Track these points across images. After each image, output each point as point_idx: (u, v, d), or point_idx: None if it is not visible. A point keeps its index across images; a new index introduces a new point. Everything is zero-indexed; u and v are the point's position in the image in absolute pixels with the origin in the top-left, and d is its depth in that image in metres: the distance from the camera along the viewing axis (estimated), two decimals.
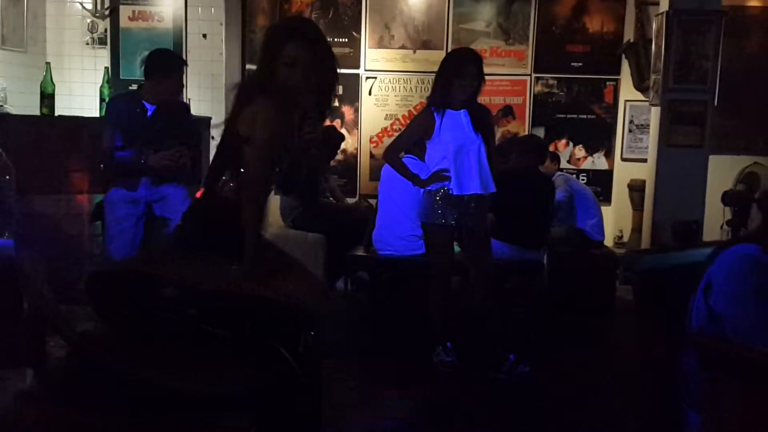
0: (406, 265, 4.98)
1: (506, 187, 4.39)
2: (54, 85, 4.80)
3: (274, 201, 6.39)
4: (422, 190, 4.26)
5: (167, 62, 4.28)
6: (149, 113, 4.24)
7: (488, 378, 4.17)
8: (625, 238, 6.88)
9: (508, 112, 6.84)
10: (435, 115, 4.16)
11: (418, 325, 4.55)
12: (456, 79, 4.10)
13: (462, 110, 4.15)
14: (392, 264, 5.06)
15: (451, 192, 4.14)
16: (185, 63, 4.52)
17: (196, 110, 5.06)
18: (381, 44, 6.83)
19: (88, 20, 6.38)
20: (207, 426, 1.33)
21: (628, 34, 6.72)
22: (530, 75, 6.88)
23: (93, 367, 1.44)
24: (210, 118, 5.44)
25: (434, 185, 4.18)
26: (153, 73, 4.22)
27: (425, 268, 4.47)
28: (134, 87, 4.61)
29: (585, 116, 6.90)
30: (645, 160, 6.12)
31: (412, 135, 4.38)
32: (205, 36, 6.39)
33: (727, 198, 6.14)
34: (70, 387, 1.43)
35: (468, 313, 4.42)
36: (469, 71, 4.10)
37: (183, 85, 4.66)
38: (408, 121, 6.36)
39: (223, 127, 2.65)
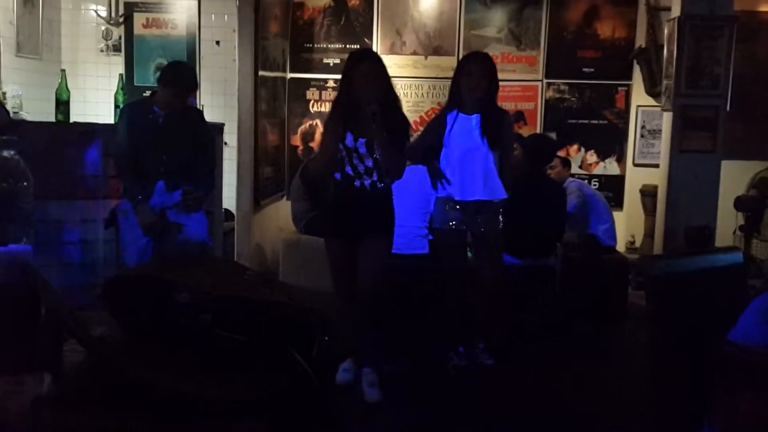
0: (410, 265, 4.95)
1: (517, 197, 4.35)
2: (69, 91, 4.85)
3: (286, 206, 6.42)
4: (434, 196, 4.28)
5: (179, 77, 4.29)
6: (161, 120, 4.28)
7: (449, 363, 4.26)
8: (638, 244, 6.87)
9: (519, 117, 6.84)
10: (447, 118, 4.16)
11: (429, 327, 4.56)
12: (462, 78, 4.11)
13: (475, 115, 4.13)
14: (400, 266, 5.01)
15: (454, 197, 4.16)
16: (196, 82, 4.51)
17: (208, 116, 5.09)
18: (393, 50, 6.85)
19: (103, 28, 6.44)
20: (221, 430, 1.35)
21: (640, 40, 6.72)
22: (542, 81, 6.88)
23: (109, 372, 1.46)
24: (223, 125, 5.46)
25: (443, 192, 4.18)
26: (165, 84, 4.25)
27: (428, 269, 4.46)
28: (148, 93, 4.65)
29: (597, 122, 6.90)
30: (657, 166, 6.11)
31: (425, 137, 4.39)
32: (218, 43, 6.44)
33: (739, 203, 6.12)
34: (87, 392, 1.45)
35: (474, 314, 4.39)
36: (474, 69, 4.09)
37: (194, 95, 4.70)
38: (421, 126, 6.39)
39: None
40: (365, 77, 3.75)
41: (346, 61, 3.97)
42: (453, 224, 4.21)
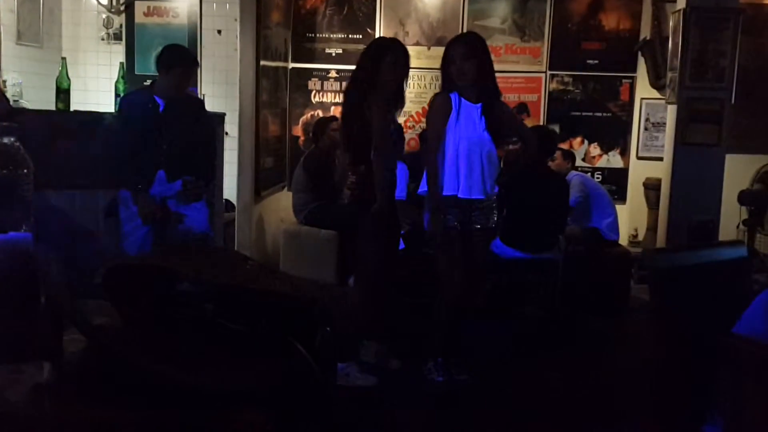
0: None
1: (518, 189, 4.27)
2: (69, 80, 4.82)
3: (287, 197, 6.40)
4: (419, 192, 3.99)
5: (177, 57, 4.28)
6: (161, 108, 4.25)
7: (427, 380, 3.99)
8: (641, 237, 6.85)
9: (522, 109, 6.81)
10: (452, 98, 3.81)
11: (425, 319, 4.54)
12: (449, 65, 3.84)
13: (478, 104, 3.82)
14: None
15: (459, 196, 3.81)
16: (196, 60, 4.51)
17: (210, 106, 5.07)
18: None
19: (104, 16, 6.41)
20: (223, 420, 1.33)
21: (645, 32, 6.69)
22: (545, 72, 6.85)
23: (109, 361, 1.44)
24: (224, 114, 5.44)
25: (447, 190, 3.83)
26: (164, 67, 4.24)
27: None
28: (149, 82, 4.63)
29: (600, 114, 6.87)
30: (661, 159, 6.09)
31: (438, 123, 3.86)
32: (219, 32, 6.40)
33: (743, 197, 6.10)
34: (87, 381, 1.43)
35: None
36: (457, 54, 3.82)
37: (193, 79, 4.69)
38: (424, 118, 6.34)
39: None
40: (401, 64, 4.04)
41: (375, 47, 4.11)
42: (454, 225, 3.85)
